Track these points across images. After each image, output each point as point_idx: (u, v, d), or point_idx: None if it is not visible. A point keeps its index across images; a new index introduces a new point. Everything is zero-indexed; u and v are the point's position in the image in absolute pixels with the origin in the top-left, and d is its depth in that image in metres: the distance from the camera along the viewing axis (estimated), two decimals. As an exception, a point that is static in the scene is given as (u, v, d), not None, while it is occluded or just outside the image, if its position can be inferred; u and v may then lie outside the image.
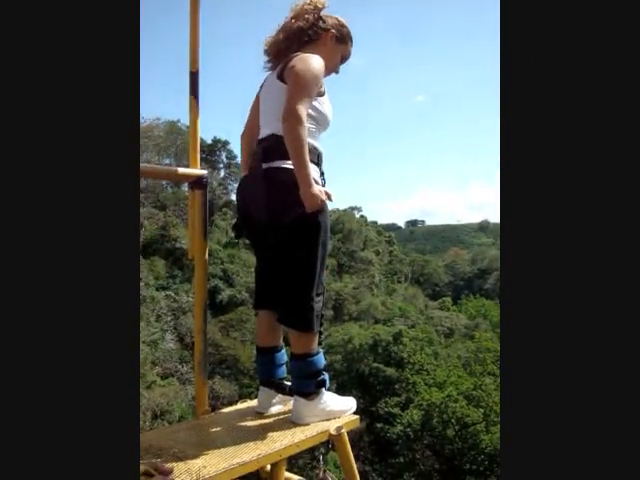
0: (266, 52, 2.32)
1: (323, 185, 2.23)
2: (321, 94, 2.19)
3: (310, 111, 2.12)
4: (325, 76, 2.25)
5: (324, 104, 2.21)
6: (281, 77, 2.15)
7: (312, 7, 2.27)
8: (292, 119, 1.98)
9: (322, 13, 2.29)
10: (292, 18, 2.28)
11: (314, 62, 2.11)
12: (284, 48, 2.26)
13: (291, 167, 2.02)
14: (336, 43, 2.31)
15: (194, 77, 2.45)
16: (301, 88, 2.05)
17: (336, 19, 2.31)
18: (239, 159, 2.92)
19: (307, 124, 2.07)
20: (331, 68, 2.33)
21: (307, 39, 2.27)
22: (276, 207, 2.07)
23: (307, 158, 1.98)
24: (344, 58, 2.39)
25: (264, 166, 2.12)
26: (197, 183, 2.41)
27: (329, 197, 2.12)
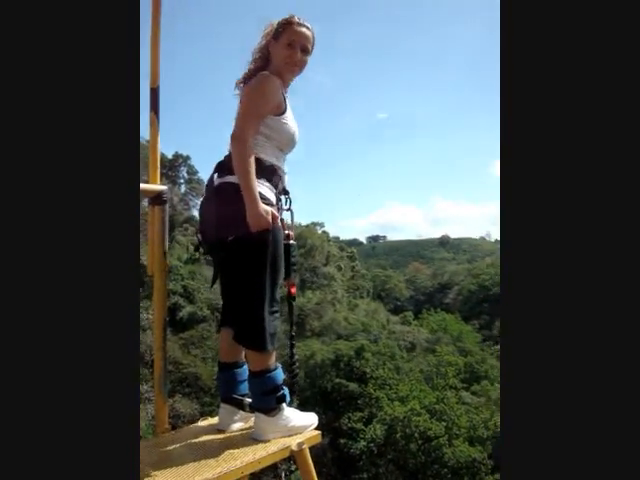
0: (236, 84, 2.35)
1: (285, 203, 2.25)
2: (281, 112, 2.19)
3: (266, 130, 2.14)
4: (291, 75, 2.29)
5: (286, 123, 2.21)
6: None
7: (265, 32, 2.32)
8: (236, 142, 2.02)
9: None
10: (253, 52, 2.34)
11: (263, 82, 2.14)
12: (248, 75, 2.30)
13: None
14: (275, 42, 2.27)
15: (154, 93, 2.44)
16: (246, 108, 2.09)
17: (273, 23, 2.31)
18: (200, 174, 2.91)
19: (262, 141, 2.12)
20: (283, 66, 2.26)
21: (262, 60, 2.31)
22: (223, 222, 2.08)
23: (252, 179, 1.99)
24: (293, 42, 2.24)
25: (217, 181, 2.15)
26: (157, 199, 2.40)
27: (275, 219, 2.07)
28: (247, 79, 2.30)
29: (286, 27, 2.25)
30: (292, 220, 2.31)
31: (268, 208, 2.05)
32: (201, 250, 2.33)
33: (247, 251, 2.06)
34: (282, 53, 2.25)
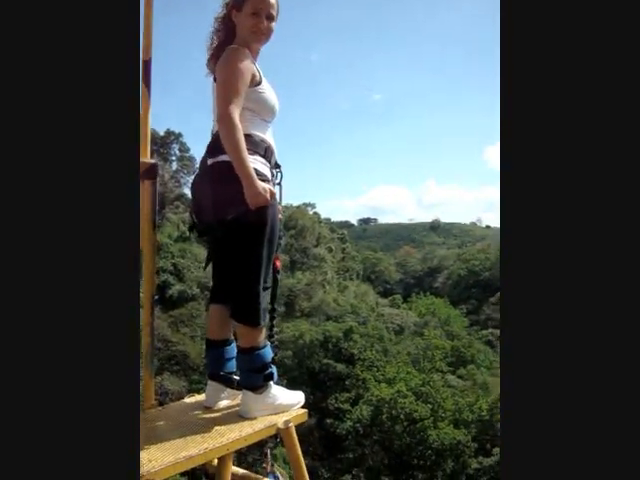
0: (207, 61, 2.32)
1: (276, 177, 2.23)
2: (257, 83, 2.16)
3: (248, 104, 2.11)
4: (258, 44, 2.24)
5: (264, 92, 2.19)
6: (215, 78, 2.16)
7: (224, 2, 2.27)
8: (224, 124, 1.99)
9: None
10: (215, 22, 2.30)
11: (233, 57, 2.09)
12: (216, 50, 2.27)
13: None
14: (238, 12, 2.20)
15: (147, 65, 2.39)
16: (226, 88, 2.05)
17: None
18: (192, 152, 2.89)
19: (249, 117, 2.10)
20: (250, 36, 2.20)
21: (226, 32, 2.26)
22: (220, 202, 2.06)
23: (245, 157, 1.97)
24: (258, 10, 2.17)
25: (210, 161, 2.13)
26: (147, 173, 2.36)
27: (272, 196, 2.06)
28: (215, 55, 2.25)
29: None
30: (281, 195, 2.29)
31: (266, 185, 2.03)
32: (195, 232, 2.32)
33: (246, 229, 2.05)
34: (247, 22, 2.18)
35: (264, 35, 2.23)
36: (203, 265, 2.35)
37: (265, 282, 2.15)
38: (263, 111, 2.20)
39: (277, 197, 2.21)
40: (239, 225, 2.04)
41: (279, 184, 2.29)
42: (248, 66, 2.10)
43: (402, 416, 22.93)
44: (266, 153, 2.18)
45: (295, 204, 45.59)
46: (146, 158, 2.40)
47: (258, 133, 2.16)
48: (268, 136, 2.22)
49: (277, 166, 2.27)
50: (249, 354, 2.15)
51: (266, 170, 2.15)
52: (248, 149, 2.01)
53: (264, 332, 2.20)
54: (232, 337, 2.34)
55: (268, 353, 2.20)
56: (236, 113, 2.00)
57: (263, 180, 2.05)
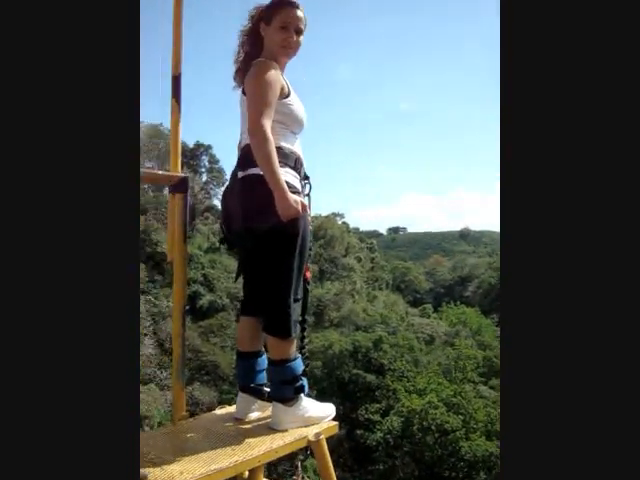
0: (234, 73, 2.34)
1: (305, 188, 2.24)
2: (285, 95, 2.17)
3: (278, 116, 2.12)
4: (286, 58, 2.26)
5: (293, 104, 2.20)
6: (244, 91, 2.17)
7: (250, 15, 2.30)
8: (256, 136, 1.99)
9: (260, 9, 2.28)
10: (241, 35, 2.33)
11: (263, 70, 2.10)
12: (243, 63, 2.29)
13: None
14: (267, 26, 2.23)
15: (176, 80, 2.44)
16: (256, 101, 2.06)
17: (265, 5, 2.26)
18: (222, 163, 2.91)
19: (279, 129, 2.11)
20: (279, 50, 2.22)
21: (253, 45, 2.29)
22: (252, 214, 2.07)
23: (277, 170, 1.97)
24: (287, 25, 2.20)
25: (240, 174, 2.14)
26: (178, 187, 2.39)
27: (304, 208, 2.07)
28: (242, 68, 2.28)
29: (278, 9, 2.21)
30: (310, 206, 2.29)
31: (297, 197, 2.04)
32: (225, 244, 2.35)
33: (277, 241, 2.07)
34: (276, 37, 2.21)
35: (292, 49, 2.25)
36: (233, 275, 2.37)
37: (296, 294, 2.15)
38: (292, 123, 2.21)
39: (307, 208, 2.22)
40: (271, 237, 2.06)
41: (308, 195, 2.29)
42: (277, 79, 2.11)
43: (433, 427, 22.61)
44: (296, 165, 2.19)
45: (324, 214, 45.66)
46: (177, 172, 2.44)
47: (287, 145, 2.17)
48: (297, 148, 2.23)
49: (306, 177, 2.28)
50: (280, 366, 2.15)
51: (296, 182, 2.16)
52: (279, 161, 2.02)
53: (295, 344, 2.20)
54: (263, 349, 2.34)
55: (299, 365, 2.20)
56: (268, 125, 2.01)
57: (294, 192, 2.06)
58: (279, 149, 2.08)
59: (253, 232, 2.08)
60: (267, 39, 2.24)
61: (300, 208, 2.02)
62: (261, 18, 2.25)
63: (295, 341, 2.19)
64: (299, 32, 2.24)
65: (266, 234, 2.05)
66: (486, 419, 23.43)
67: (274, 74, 2.11)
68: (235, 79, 2.35)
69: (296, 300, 2.16)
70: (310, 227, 2.23)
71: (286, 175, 2.08)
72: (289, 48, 2.24)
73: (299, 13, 2.22)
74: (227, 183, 2.34)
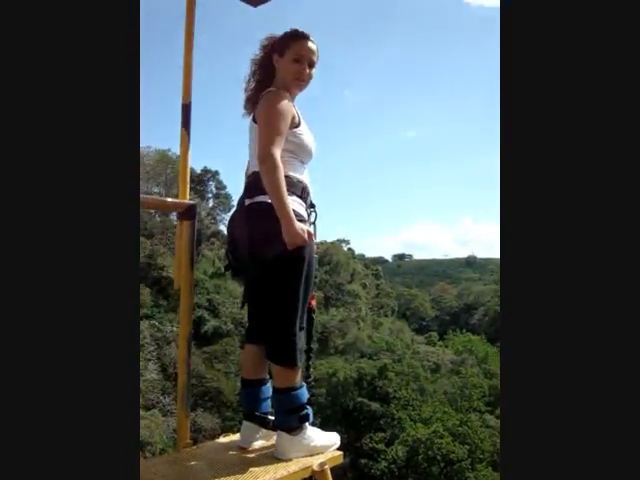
0: (245, 101, 2.38)
1: (311, 217, 2.25)
2: (296, 125, 2.20)
3: (288, 145, 2.15)
4: (298, 90, 2.30)
5: (302, 134, 2.23)
6: (255, 119, 2.21)
7: (262, 45, 2.34)
8: (266, 164, 2.02)
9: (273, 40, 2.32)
10: (252, 64, 2.36)
11: (275, 100, 2.14)
12: (254, 92, 2.33)
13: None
14: (280, 57, 2.27)
15: (186, 109, 2.47)
16: (268, 130, 2.09)
17: (278, 36, 2.31)
18: (229, 189, 2.93)
19: (288, 158, 2.13)
20: (291, 81, 2.27)
21: (265, 74, 2.32)
22: (258, 242, 2.08)
23: (285, 198, 2.00)
24: (301, 57, 2.25)
25: (247, 202, 2.16)
26: (186, 214, 2.42)
27: (310, 236, 2.08)
28: (253, 97, 2.32)
29: (291, 42, 2.26)
30: (315, 234, 2.30)
31: (304, 226, 2.06)
32: (230, 271, 2.35)
33: (284, 269, 2.08)
34: (290, 69, 2.25)
35: (305, 82, 2.30)
36: (238, 301, 2.39)
37: (301, 322, 2.15)
38: (301, 153, 2.23)
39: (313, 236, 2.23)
40: (276, 265, 2.06)
41: (313, 224, 2.31)
42: (289, 109, 2.15)
43: (439, 457, 22.31)
44: (302, 193, 2.21)
45: (329, 240, 45.69)
46: (185, 199, 2.46)
47: (296, 174, 2.19)
48: (304, 177, 2.26)
49: (312, 205, 2.30)
50: (285, 394, 2.14)
51: (303, 211, 2.18)
52: (287, 190, 2.04)
53: (300, 372, 2.19)
54: (267, 377, 2.34)
55: (304, 394, 2.18)
56: (278, 154, 2.04)
57: (300, 220, 2.08)
58: (287, 177, 2.10)
59: (258, 260, 2.09)
60: (280, 70, 2.28)
61: (306, 236, 2.03)
62: (274, 49, 2.29)
63: (300, 370, 2.18)
64: (312, 65, 2.29)
65: (272, 262, 2.06)
66: (492, 449, 23.09)
67: (286, 104, 2.14)
68: (245, 107, 2.38)
69: (301, 329, 2.15)
70: (315, 255, 2.24)
71: (293, 203, 2.09)
72: (301, 81, 2.29)
73: (312, 46, 2.27)
74: (234, 209, 2.36)
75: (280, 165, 2.02)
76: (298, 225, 2.01)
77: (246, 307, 2.36)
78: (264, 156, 2.04)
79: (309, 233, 2.07)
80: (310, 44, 2.27)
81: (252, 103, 2.31)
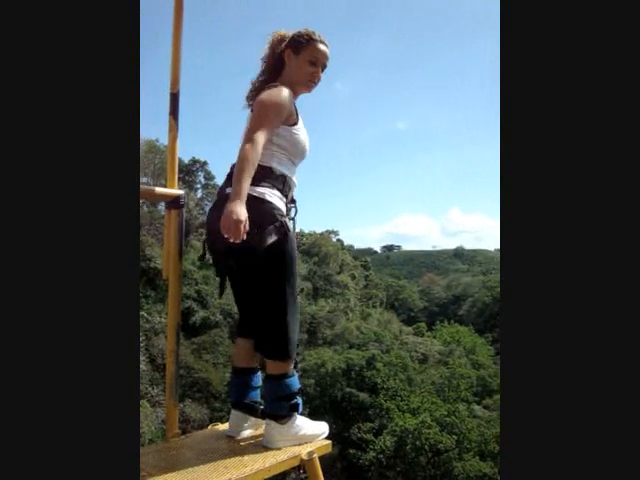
0: (248, 92, 2.36)
1: (290, 212, 2.24)
2: (292, 123, 2.19)
3: (281, 141, 2.14)
4: (307, 91, 2.30)
5: (298, 134, 2.21)
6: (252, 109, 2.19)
7: (273, 40, 2.33)
8: (247, 143, 1.98)
9: (287, 35, 2.32)
10: (262, 59, 2.35)
11: (276, 92, 2.13)
12: (260, 85, 2.32)
13: (254, 193, 2.01)
14: (295, 55, 2.27)
15: (174, 98, 2.45)
16: (259, 117, 2.07)
17: (294, 34, 2.31)
18: (217, 180, 2.90)
19: (276, 152, 2.12)
20: (303, 82, 2.28)
21: (272, 69, 2.32)
22: None
23: (247, 180, 1.92)
24: (317, 60, 2.28)
25: (227, 190, 2.11)
26: (174, 203, 2.40)
27: (242, 233, 1.87)
28: (257, 90, 2.29)
29: (309, 43, 2.26)
30: (294, 229, 2.25)
31: (243, 217, 1.87)
32: (207, 258, 2.31)
33: (264, 263, 2.04)
34: (304, 69, 2.26)
35: (315, 85, 2.32)
36: (226, 292, 2.35)
37: (293, 313, 2.13)
38: (293, 151, 2.22)
39: (291, 230, 2.16)
40: (254, 259, 2.03)
41: (293, 219, 2.28)
42: (287, 104, 2.13)
43: (426, 447, 22.46)
44: (284, 187, 2.17)
45: (318, 231, 45.67)
46: (173, 188, 2.45)
47: (279, 168, 2.16)
48: (290, 173, 2.22)
49: (293, 201, 2.28)
50: (277, 381, 2.14)
51: (282, 205, 2.14)
52: (267, 182, 2.04)
53: (292, 361, 2.19)
54: (258, 366, 2.34)
55: (296, 382, 2.19)
56: (260, 141, 2.01)
57: (279, 214, 2.06)
58: (269, 169, 2.10)
59: (233, 251, 1.99)
60: (290, 68, 2.28)
61: (242, 227, 1.86)
62: (289, 45, 2.28)
63: (293, 359, 2.19)
64: (324, 69, 2.31)
65: (249, 255, 2.01)
66: (480, 439, 23.30)
67: (285, 99, 2.12)
68: (247, 99, 2.37)
69: (293, 319, 2.13)
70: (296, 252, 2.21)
71: (272, 197, 2.08)
72: (313, 83, 2.31)
73: (327, 50, 2.30)
74: (214, 199, 2.31)
75: (258, 152, 1.98)
76: (242, 212, 1.87)
77: (231, 294, 2.34)
78: (246, 139, 2.00)
79: (286, 227, 2.05)
80: (325, 48, 2.29)
81: (255, 96, 2.29)
